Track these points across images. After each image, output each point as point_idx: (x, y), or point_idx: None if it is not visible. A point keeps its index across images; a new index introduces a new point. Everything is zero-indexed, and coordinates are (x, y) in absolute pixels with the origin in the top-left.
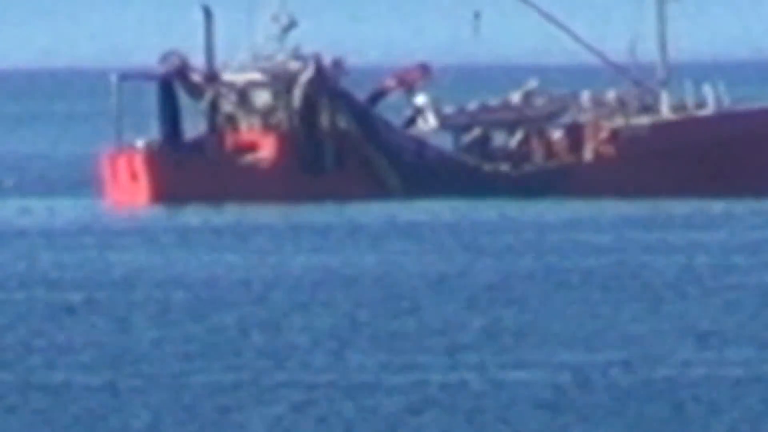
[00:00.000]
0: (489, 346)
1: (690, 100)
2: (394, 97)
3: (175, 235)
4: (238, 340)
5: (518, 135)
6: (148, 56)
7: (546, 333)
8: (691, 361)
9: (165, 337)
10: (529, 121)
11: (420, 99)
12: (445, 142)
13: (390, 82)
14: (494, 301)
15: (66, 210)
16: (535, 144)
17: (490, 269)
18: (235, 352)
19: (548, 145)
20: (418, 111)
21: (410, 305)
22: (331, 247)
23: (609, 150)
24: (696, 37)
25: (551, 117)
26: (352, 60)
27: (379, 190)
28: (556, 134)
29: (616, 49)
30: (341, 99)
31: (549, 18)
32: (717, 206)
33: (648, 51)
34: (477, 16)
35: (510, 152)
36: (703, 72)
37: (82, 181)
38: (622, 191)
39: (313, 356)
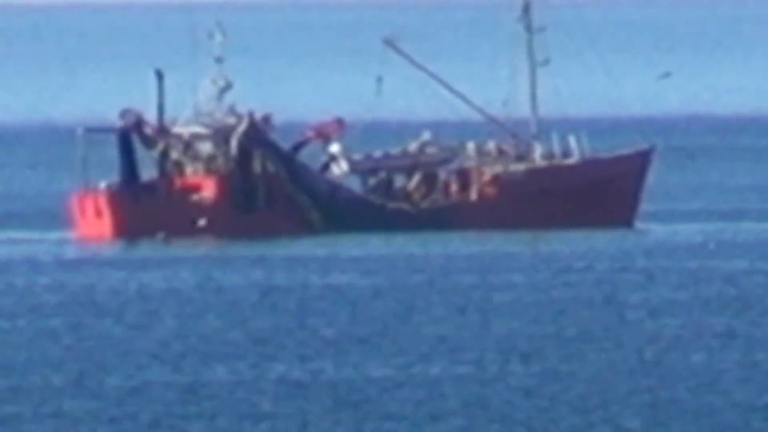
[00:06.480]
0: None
1: (557, 150)
2: (312, 146)
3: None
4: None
5: (416, 178)
6: (108, 112)
7: None
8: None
9: None
10: (424, 166)
11: (334, 147)
12: (354, 184)
13: (310, 134)
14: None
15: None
16: (429, 185)
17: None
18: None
19: (440, 187)
20: (333, 158)
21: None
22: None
23: (491, 191)
24: (562, 97)
25: (442, 163)
26: (278, 117)
27: (304, 226)
28: (446, 176)
29: (494, 106)
30: (270, 148)
31: (439, 81)
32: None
33: (521, 107)
34: (379, 80)
35: (408, 192)
36: (569, 127)
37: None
38: (501, 226)
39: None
